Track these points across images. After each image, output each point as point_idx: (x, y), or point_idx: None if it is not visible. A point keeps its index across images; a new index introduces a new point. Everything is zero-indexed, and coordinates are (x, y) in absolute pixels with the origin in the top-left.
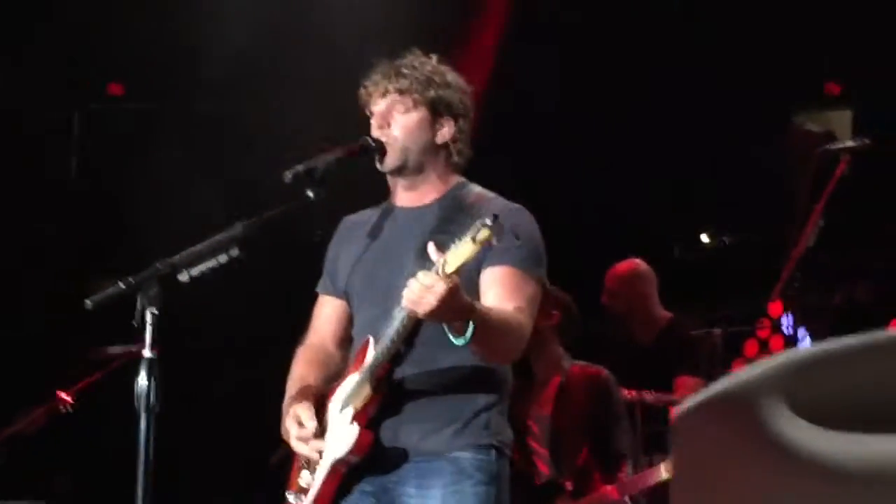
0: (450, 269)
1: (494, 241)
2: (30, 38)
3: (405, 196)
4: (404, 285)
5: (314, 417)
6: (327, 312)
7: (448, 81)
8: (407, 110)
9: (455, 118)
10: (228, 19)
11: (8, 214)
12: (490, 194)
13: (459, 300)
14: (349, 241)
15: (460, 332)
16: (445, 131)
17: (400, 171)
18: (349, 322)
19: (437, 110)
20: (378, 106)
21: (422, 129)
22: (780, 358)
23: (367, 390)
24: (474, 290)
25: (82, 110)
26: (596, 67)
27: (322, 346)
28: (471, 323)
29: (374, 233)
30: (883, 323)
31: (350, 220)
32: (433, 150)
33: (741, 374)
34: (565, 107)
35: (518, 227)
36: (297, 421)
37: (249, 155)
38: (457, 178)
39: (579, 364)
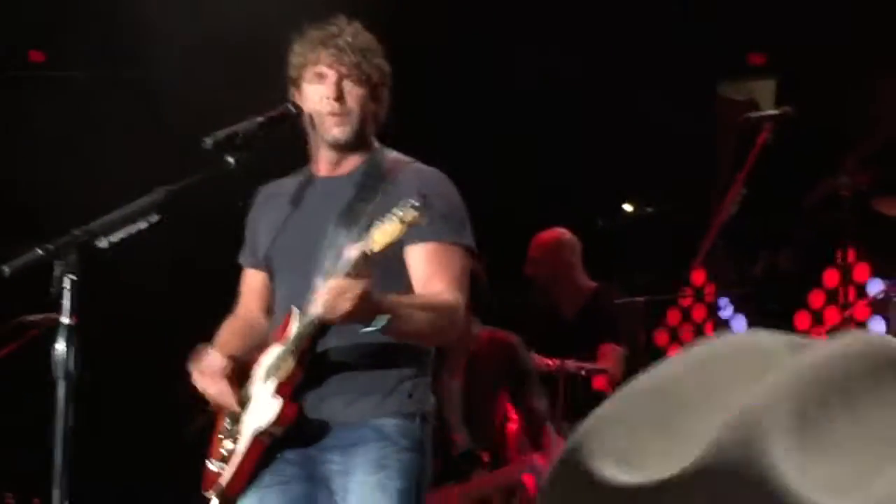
0: (377, 248)
1: (423, 223)
2: None
3: (328, 166)
4: (325, 255)
5: (218, 356)
6: (252, 284)
7: (378, 51)
8: (358, 83)
9: (388, 91)
10: None
11: None
12: (406, 158)
13: (371, 301)
14: (267, 211)
15: (368, 324)
16: (383, 104)
17: (351, 143)
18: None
19: (378, 85)
20: (328, 76)
21: (370, 103)
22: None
23: (291, 363)
24: (399, 266)
25: (2, 77)
26: (519, 31)
27: (249, 316)
28: (384, 317)
29: (294, 202)
30: (804, 290)
31: (267, 189)
32: (372, 121)
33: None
34: (488, 73)
35: (437, 195)
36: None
37: (172, 122)
38: (374, 144)
39: (488, 329)
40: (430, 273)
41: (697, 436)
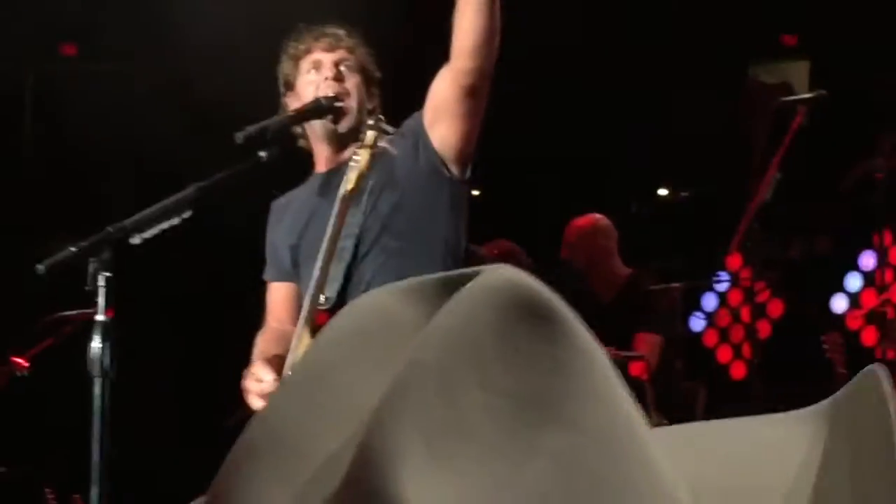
0: (351, 185)
1: (383, 143)
2: None
3: (328, 159)
4: (340, 239)
5: (272, 372)
6: (277, 297)
7: (368, 51)
8: (354, 70)
9: (379, 88)
10: None
11: None
12: None
13: None
14: (282, 222)
15: None
16: (375, 99)
17: (351, 131)
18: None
19: (370, 77)
20: (324, 62)
21: (363, 92)
22: None
23: (306, 339)
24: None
25: (36, 72)
26: (550, 16)
27: (280, 326)
28: None
29: (306, 206)
30: (841, 274)
31: (279, 203)
32: (368, 114)
33: None
34: (519, 62)
35: None
36: (254, 378)
37: (202, 115)
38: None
39: None
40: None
41: (335, 457)
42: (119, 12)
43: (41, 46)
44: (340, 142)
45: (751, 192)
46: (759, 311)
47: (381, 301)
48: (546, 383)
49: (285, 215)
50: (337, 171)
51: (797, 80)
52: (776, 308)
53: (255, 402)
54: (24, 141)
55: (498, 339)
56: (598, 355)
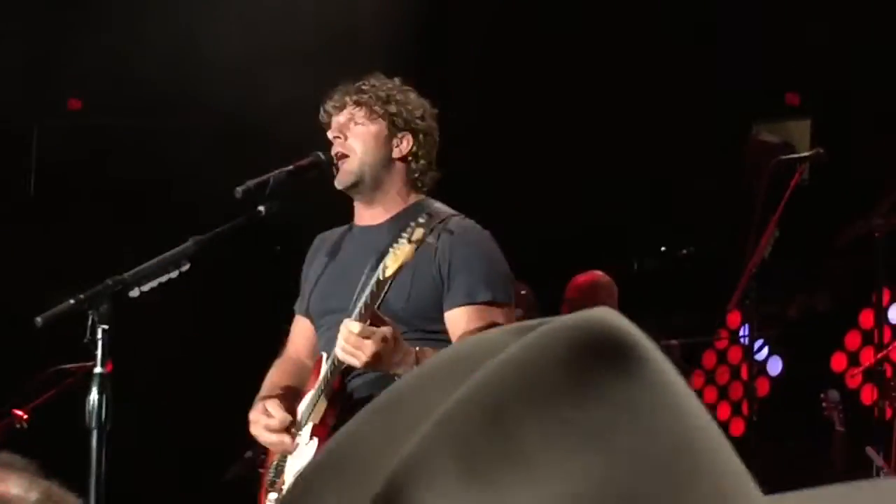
0: (389, 272)
1: (430, 240)
2: None
3: (363, 214)
4: (359, 302)
5: (282, 410)
6: (299, 329)
7: (409, 99)
8: (364, 122)
9: (414, 133)
10: (187, 33)
11: None
12: (446, 211)
13: (396, 349)
14: (316, 259)
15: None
16: (404, 146)
17: (356, 186)
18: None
19: (395, 124)
20: (334, 120)
21: (379, 142)
22: None
23: (323, 404)
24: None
25: (41, 126)
26: (552, 77)
27: (296, 358)
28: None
29: (334, 253)
30: (840, 331)
31: (321, 237)
32: (390, 164)
33: None
34: (527, 117)
35: (475, 255)
36: (263, 412)
37: (206, 171)
38: (416, 197)
39: None
40: (469, 333)
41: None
42: (125, 67)
43: (47, 101)
44: (362, 195)
45: (750, 250)
46: (758, 369)
47: (490, 335)
48: (609, 416)
49: (319, 253)
50: (365, 232)
51: (800, 139)
52: (775, 366)
53: (262, 435)
54: (29, 196)
55: (564, 373)
56: (677, 393)
